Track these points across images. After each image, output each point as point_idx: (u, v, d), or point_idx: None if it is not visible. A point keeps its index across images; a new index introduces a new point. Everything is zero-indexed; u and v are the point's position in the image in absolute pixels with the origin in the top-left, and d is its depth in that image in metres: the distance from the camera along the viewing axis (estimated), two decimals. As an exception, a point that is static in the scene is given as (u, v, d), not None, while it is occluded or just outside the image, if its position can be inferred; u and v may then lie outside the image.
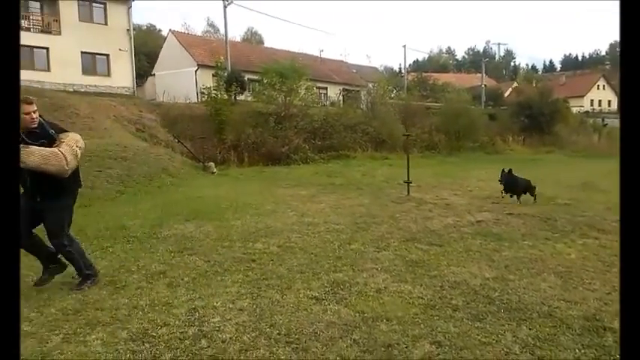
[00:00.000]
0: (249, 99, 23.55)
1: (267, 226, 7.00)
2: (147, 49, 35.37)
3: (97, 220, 7.60)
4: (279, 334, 3.33)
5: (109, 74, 25.52)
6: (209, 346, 3.16)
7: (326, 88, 33.79)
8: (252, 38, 61.86)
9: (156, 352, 3.10)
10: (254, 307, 3.85)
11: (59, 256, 4.53)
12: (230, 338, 3.26)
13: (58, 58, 23.75)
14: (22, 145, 3.82)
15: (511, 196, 9.17)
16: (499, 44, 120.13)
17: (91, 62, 25.21)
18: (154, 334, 3.36)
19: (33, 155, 3.85)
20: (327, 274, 4.67)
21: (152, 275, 4.77)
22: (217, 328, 3.43)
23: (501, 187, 9.15)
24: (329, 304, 3.87)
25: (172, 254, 5.57)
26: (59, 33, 24.16)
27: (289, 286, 4.34)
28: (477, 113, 27.89)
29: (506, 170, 9.09)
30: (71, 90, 22.04)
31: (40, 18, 24.23)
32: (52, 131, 4.04)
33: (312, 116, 21.25)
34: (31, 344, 3.23)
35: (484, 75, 43.32)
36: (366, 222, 7.24)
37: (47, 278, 4.48)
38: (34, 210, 4.11)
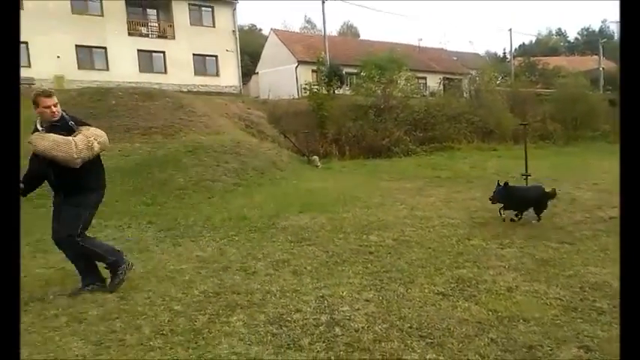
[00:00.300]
0: (348, 92, 23.71)
1: (378, 219, 7.03)
2: (250, 49, 37.11)
3: (221, 210, 8.17)
4: (410, 327, 3.33)
5: (217, 74, 27.24)
6: (343, 334, 3.26)
7: (425, 78, 32.88)
8: (349, 32, 62.05)
9: (294, 336, 3.26)
10: (380, 298, 3.89)
11: (116, 250, 4.46)
12: (362, 328, 3.34)
13: (174, 61, 25.85)
14: (38, 132, 3.93)
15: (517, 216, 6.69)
16: (618, 22, 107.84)
17: (202, 63, 27.08)
18: (289, 319, 3.54)
19: (45, 140, 3.86)
20: (450, 270, 4.58)
21: (277, 263, 5.03)
22: (348, 317, 3.52)
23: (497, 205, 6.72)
24: (457, 301, 3.79)
25: (292, 244, 5.82)
26: (173, 37, 26.27)
27: (412, 280, 4.33)
28: (596, 99, 25.28)
29: (501, 184, 6.62)
30: (185, 90, 23.86)
31: (157, 24, 26.54)
32: (71, 123, 4.02)
33: (413, 107, 20.82)
34: (182, 322, 3.57)
35: (601, 57, 39.23)
36: (483, 217, 6.96)
37: (119, 280, 4.30)
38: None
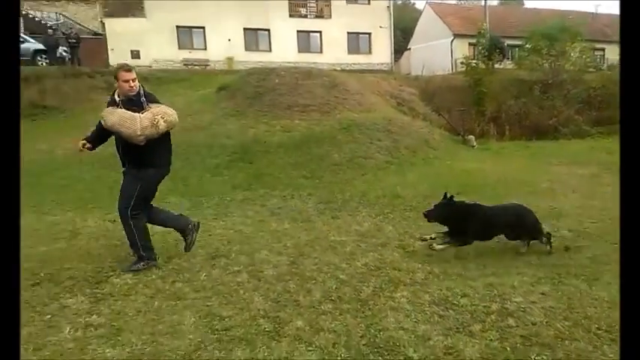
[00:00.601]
0: (510, 66, 21.85)
1: (549, 207, 6.41)
2: (402, 25, 36.41)
3: (374, 187, 8.28)
4: (598, 328, 2.98)
5: (370, 52, 27.33)
6: (517, 326, 3.05)
7: (603, 50, 28.65)
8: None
9: (463, 320, 3.16)
10: (558, 293, 3.55)
11: (189, 223, 4.48)
12: (540, 322, 3.09)
13: (329, 40, 26.61)
14: (111, 107, 4.03)
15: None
16: None
17: (355, 41, 27.38)
18: (456, 303, 3.44)
19: (113, 115, 3.93)
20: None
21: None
22: (522, 309, 3.28)
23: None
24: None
25: (452, 226, 5.63)
26: (330, 17, 26.96)
27: (596, 278, 3.86)
28: None
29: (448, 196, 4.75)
30: (339, 69, 24.47)
31: (315, 5, 27.46)
32: (143, 99, 4.04)
33: (587, 83, 18.36)
34: (348, 291, 3.71)
35: None
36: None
37: (190, 240, 4.45)
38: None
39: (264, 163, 10.00)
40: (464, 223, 4.54)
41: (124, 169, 4.22)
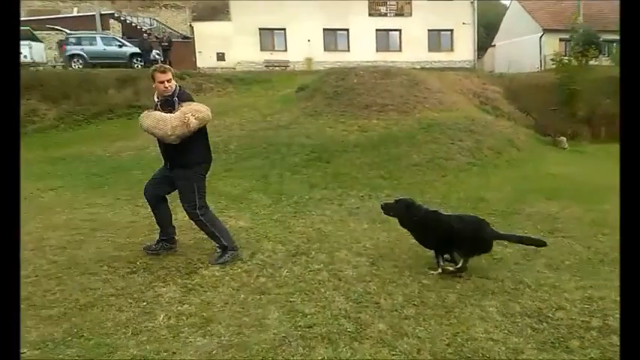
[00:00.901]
0: (606, 63, 20.15)
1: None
2: (485, 20, 34.89)
3: (456, 189, 7.99)
4: None
5: (452, 49, 26.52)
6: (623, 347, 2.78)
7: None
8: (609, -9, 52.37)
9: (559, 335, 2.95)
10: (671, 313, 3.20)
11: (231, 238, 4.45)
12: (650, 344, 2.79)
13: (408, 38, 26.17)
14: (148, 110, 4.17)
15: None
16: None
17: (436, 39, 26.70)
18: (550, 316, 3.22)
19: (148, 118, 4.04)
20: None
21: (527, 253, 4.62)
22: (628, 328, 2.99)
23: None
24: None
25: (542, 234, 5.26)
26: (410, 14, 26.51)
27: None
28: None
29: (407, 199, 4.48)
30: (418, 67, 23.97)
31: (395, 3, 27.11)
32: (175, 99, 4.10)
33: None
34: (431, 296, 3.60)
35: None
36: None
37: (223, 261, 4.29)
38: (169, 178, 4.31)
39: (341, 162, 10.03)
40: (425, 230, 4.20)
41: (167, 168, 4.35)
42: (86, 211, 6.27)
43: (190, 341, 2.92)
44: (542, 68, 22.32)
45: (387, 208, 4.48)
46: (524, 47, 27.05)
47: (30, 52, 20.38)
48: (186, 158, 4.14)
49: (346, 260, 4.42)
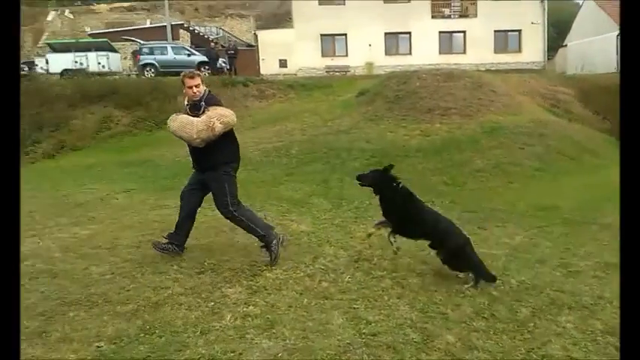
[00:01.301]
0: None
1: None
2: (554, 19, 33.17)
3: (525, 196, 7.65)
4: None
5: (519, 50, 25.46)
6: None
7: None
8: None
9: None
10: None
11: (268, 225, 4.52)
12: None
13: (473, 40, 25.39)
14: (176, 113, 4.31)
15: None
16: None
17: (503, 40, 25.73)
18: None
19: (176, 121, 4.19)
20: None
21: (607, 266, 4.32)
22: None
23: None
24: None
25: (624, 246, 4.90)
26: (475, 15, 25.73)
27: None
28: None
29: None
30: (483, 69, 23.18)
31: (459, 4, 26.42)
32: (202, 103, 4.21)
33: None
34: (502, 309, 3.43)
35: None
36: None
37: (274, 255, 4.33)
38: (202, 181, 4.40)
39: (402, 167, 9.84)
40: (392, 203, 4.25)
41: (194, 169, 4.52)
42: (156, 213, 6.57)
43: (256, 343, 2.96)
44: (619, 68, 20.80)
45: (363, 178, 4.50)
46: (599, 47, 25.35)
47: (107, 62, 21.83)
48: (213, 159, 4.26)
49: (410, 268, 4.32)
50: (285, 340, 2.98)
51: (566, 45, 29.88)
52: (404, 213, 4.20)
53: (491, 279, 3.89)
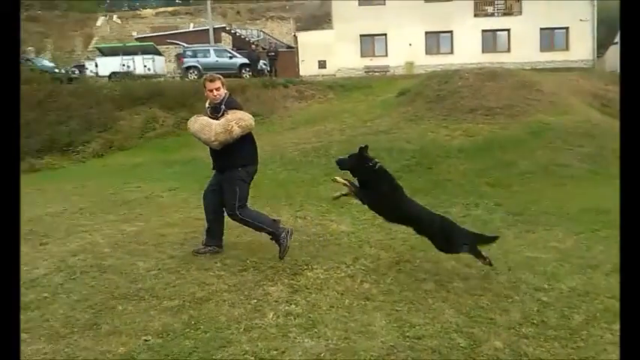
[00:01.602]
0: None
1: None
2: (603, 15, 31.71)
3: (575, 199, 7.32)
4: None
5: (567, 48, 24.56)
6: None
7: None
8: None
9: None
10: None
11: (273, 219, 4.61)
12: None
13: (518, 38, 24.68)
14: (196, 115, 4.46)
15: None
16: None
17: (549, 37, 24.90)
18: None
19: (196, 123, 4.32)
20: None
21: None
22: None
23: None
24: None
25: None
26: (520, 13, 25.01)
27: None
28: None
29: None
30: (528, 68, 22.44)
31: (503, 2, 25.72)
32: (222, 107, 4.30)
33: None
34: (553, 316, 3.29)
35: None
36: None
37: (284, 248, 4.36)
38: (221, 181, 4.48)
39: (444, 168, 9.68)
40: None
41: (214, 170, 4.63)
42: (199, 211, 6.61)
43: (298, 342, 2.95)
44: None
45: (341, 163, 4.51)
46: (655, 42, 24.14)
47: (153, 65, 22.55)
48: (231, 161, 4.36)
49: (454, 271, 4.22)
50: (327, 340, 2.96)
51: (617, 42, 28.52)
52: (379, 192, 4.30)
53: (491, 240, 4.18)
